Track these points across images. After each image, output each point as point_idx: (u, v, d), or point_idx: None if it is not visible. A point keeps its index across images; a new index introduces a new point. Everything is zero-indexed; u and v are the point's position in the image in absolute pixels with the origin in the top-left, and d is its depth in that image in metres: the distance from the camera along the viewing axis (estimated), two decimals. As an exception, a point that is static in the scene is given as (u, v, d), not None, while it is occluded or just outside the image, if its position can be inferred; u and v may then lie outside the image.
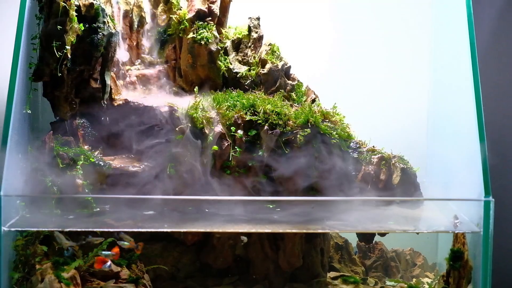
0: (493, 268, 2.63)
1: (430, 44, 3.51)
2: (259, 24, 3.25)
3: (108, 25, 2.96)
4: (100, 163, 2.88)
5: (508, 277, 3.17)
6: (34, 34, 2.88)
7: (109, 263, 2.73)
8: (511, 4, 3.26)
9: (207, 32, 3.15)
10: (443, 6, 3.27)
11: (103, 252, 2.75)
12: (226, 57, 3.22)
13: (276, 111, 2.98)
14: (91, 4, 2.90)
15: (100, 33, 2.92)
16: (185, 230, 2.88)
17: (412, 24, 3.55)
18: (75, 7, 2.86)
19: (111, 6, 3.07)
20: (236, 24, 3.30)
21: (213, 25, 3.17)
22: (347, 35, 3.57)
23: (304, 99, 3.20)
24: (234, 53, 3.24)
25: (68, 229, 2.75)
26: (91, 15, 2.90)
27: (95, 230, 2.80)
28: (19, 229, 2.73)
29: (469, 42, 2.77)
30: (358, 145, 3.02)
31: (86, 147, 2.94)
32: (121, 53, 3.15)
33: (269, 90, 3.19)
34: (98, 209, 2.83)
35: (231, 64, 3.21)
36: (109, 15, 2.99)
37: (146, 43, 3.25)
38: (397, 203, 2.99)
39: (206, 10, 3.16)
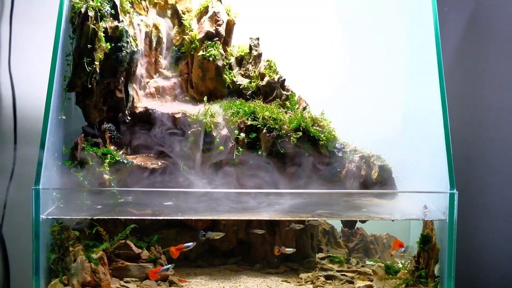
0: (457, 250, 2.63)
1: (404, 59, 3.50)
2: (258, 44, 3.25)
3: (131, 44, 2.95)
4: (124, 161, 2.87)
5: (470, 258, 3.16)
6: (68, 52, 2.87)
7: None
8: (471, 28, 3.26)
9: (215, 50, 3.14)
10: (416, 26, 3.27)
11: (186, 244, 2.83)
12: (230, 71, 3.20)
13: (273, 117, 2.97)
14: (116, 27, 2.89)
15: (124, 51, 2.91)
16: (195, 217, 2.87)
17: (388, 39, 3.54)
18: (103, 29, 2.85)
19: (133, 28, 3.06)
20: (239, 43, 3.29)
21: (219, 44, 3.16)
22: (334, 51, 3.56)
23: (296, 107, 3.19)
24: (237, 68, 3.23)
25: (96, 217, 2.75)
26: (116, 36, 2.89)
27: (119, 217, 2.80)
28: (55, 217, 2.72)
29: (436, 57, 2.77)
30: (342, 146, 3.01)
31: (112, 147, 2.94)
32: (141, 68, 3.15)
33: (267, 99, 3.18)
34: (122, 200, 2.82)
35: (235, 77, 3.20)
36: (131, 36, 2.97)
37: (163, 59, 3.24)
38: (375, 195, 2.98)
39: (213, 31, 3.15)
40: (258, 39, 3.25)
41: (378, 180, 2.95)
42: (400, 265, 2.91)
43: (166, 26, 3.24)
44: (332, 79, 3.52)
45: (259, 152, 2.93)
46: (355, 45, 3.54)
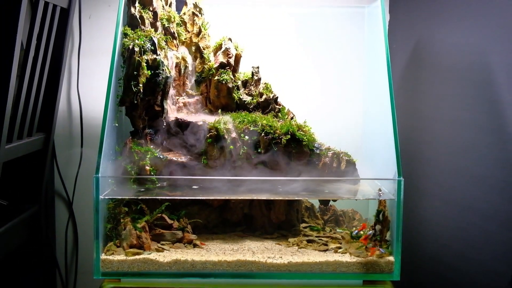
0: (402, 221, 2.64)
1: (364, 81, 3.49)
2: (258, 71, 3.25)
3: (165, 71, 2.95)
4: (160, 156, 2.87)
5: (412, 227, 3.17)
6: (120, 77, 2.89)
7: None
8: (412, 60, 3.27)
9: (227, 75, 3.14)
10: (373, 58, 3.26)
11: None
12: (238, 91, 3.20)
13: (269, 124, 2.97)
14: (155, 59, 2.90)
15: (160, 76, 2.92)
16: (212, 197, 2.87)
17: (351, 69, 3.53)
18: (145, 60, 2.86)
19: (167, 60, 3.07)
20: (244, 70, 3.29)
21: (230, 71, 3.17)
22: (313, 76, 3.55)
23: (286, 117, 3.19)
24: (243, 88, 3.23)
25: (140, 197, 2.75)
26: (155, 65, 2.90)
27: (156, 198, 2.80)
28: (110, 197, 2.74)
29: (388, 80, 2.77)
30: (319, 145, 3.00)
31: (151, 146, 2.94)
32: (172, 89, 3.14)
33: (264, 111, 3.18)
34: (159, 184, 2.83)
35: (241, 95, 3.20)
36: (166, 65, 2.98)
37: (188, 82, 3.24)
38: (343, 181, 2.98)
39: (225, 62, 3.16)
40: (258, 67, 3.26)
41: (345, 170, 2.95)
42: (362, 233, 2.89)
43: (191, 58, 3.24)
44: (313, 98, 3.53)
45: (259, 150, 2.93)
46: (328, 73, 3.54)
